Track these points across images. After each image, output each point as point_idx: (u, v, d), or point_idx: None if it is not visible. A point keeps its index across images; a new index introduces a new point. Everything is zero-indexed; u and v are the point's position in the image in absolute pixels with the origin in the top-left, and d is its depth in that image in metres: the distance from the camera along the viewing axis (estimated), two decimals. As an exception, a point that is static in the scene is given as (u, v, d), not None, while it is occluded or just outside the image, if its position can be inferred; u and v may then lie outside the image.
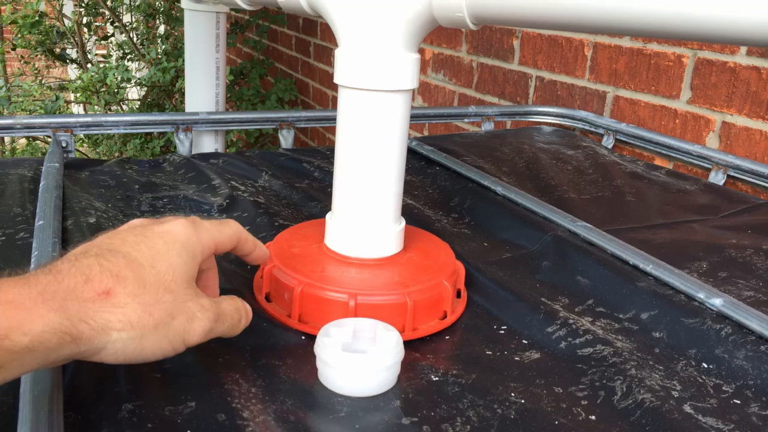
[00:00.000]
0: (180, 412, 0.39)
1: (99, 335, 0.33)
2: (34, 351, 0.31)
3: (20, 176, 0.75)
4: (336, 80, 0.51)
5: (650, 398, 0.43)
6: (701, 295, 0.52)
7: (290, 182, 0.82)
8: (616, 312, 0.54)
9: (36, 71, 2.80)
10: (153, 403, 0.39)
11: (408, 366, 0.46)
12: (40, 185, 0.69)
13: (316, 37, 2.40)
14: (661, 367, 0.47)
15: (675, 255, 0.62)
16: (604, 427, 0.41)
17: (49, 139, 0.88)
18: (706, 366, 0.47)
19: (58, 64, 2.89)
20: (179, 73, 2.27)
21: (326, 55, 2.33)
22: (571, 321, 0.52)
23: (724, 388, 0.45)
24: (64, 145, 0.87)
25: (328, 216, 0.56)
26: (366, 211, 0.53)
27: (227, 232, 0.44)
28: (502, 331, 0.52)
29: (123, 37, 2.77)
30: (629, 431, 0.40)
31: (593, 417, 0.42)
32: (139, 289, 0.36)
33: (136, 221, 0.42)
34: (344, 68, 0.50)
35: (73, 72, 3.40)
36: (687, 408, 0.43)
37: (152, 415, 0.38)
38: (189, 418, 0.38)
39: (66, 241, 0.59)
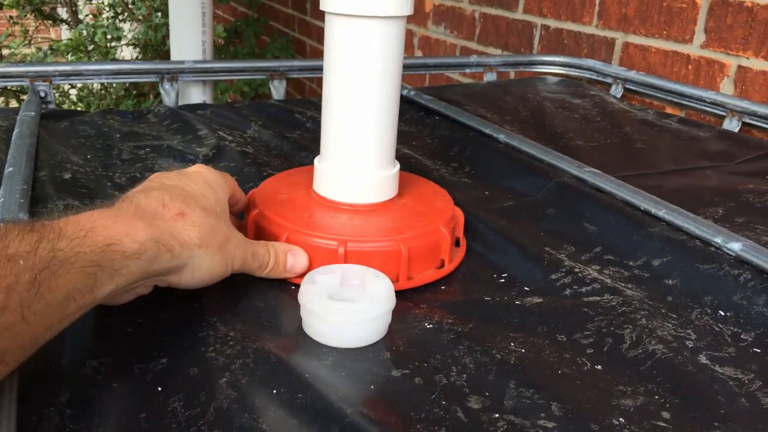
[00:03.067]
0: (151, 368, 0.36)
1: (184, 250, 0.37)
2: (140, 258, 0.34)
3: (-7, 126, 0.71)
4: (322, 7, 0.47)
5: (662, 349, 0.39)
6: (718, 240, 0.49)
7: (281, 132, 0.78)
8: (625, 259, 0.50)
9: (24, 31, 2.73)
10: (121, 359, 0.36)
11: (400, 316, 0.42)
12: (14, 133, 0.65)
13: (312, -8, 2.32)
14: (674, 316, 0.43)
15: (689, 201, 0.58)
16: (611, 377, 0.38)
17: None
18: (723, 314, 0.44)
19: (48, 24, 2.81)
20: (172, 31, 2.20)
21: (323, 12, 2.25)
22: (577, 270, 0.48)
23: (742, 336, 0.42)
24: (42, 95, 0.82)
25: (317, 160, 0.52)
26: (357, 152, 0.49)
27: (230, 178, 0.47)
28: (503, 280, 0.48)
29: (114, -4, 2.68)
30: (638, 382, 0.37)
31: (599, 367, 0.38)
32: (203, 214, 0.39)
33: (156, 173, 0.43)
34: (330, -8, 0.45)
35: (66, 35, 3.32)
36: (703, 358, 0.39)
37: (119, 372, 0.35)
38: (160, 374, 0.35)
39: (36, 190, 0.55)
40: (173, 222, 0.38)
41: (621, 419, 0.34)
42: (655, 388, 0.37)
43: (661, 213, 0.53)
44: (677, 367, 0.38)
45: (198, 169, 0.44)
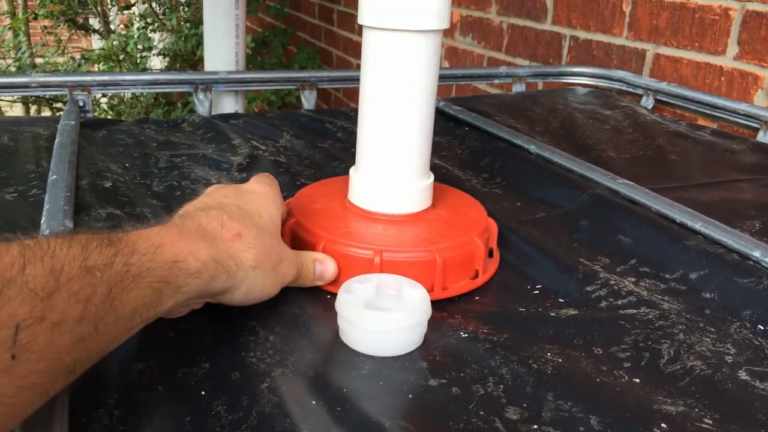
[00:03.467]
0: (194, 373, 0.37)
1: (240, 271, 0.38)
2: (201, 277, 0.35)
3: (35, 134, 0.73)
4: (360, 20, 0.48)
5: (701, 365, 0.39)
6: (757, 254, 0.48)
7: (312, 142, 0.79)
8: (661, 272, 0.50)
9: (58, 40, 2.80)
10: (165, 363, 0.37)
11: (435, 325, 0.43)
12: (55, 142, 0.67)
13: (339, 3, 2.34)
14: (712, 330, 0.43)
15: (724, 214, 0.58)
16: (650, 391, 0.37)
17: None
18: (762, 328, 0.43)
19: (81, 34, 2.88)
20: (201, 41, 2.24)
21: (350, 22, 2.28)
22: (612, 282, 0.48)
23: (783, 352, 0.41)
24: (81, 104, 0.85)
25: (352, 170, 0.53)
26: (393, 163, 0.49)
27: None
28: (537, 291, 0.48)
29: (145, 6, 2.74)
30: (677, 397, 0.37)
31: (637, 380, 0.38)
32: (258, 235, 0.40)
33: (214, 186, 0.45)
34: (369, 6, 0.46)
35: (97, 44, 3.39)
36: (743, 374, 0.39)
37: (164, 376, 0.36)
38: (203, 378, 0.36)
39: (78, 198, 0.56)
40: (231, 243, 0.38)
41: (664, 424, 0.34)
42: (694, 403, 0.36)
43: (698, 226, 0.53)
44: (717, 383, 0.38)
45: (254, 187, 0.45)
